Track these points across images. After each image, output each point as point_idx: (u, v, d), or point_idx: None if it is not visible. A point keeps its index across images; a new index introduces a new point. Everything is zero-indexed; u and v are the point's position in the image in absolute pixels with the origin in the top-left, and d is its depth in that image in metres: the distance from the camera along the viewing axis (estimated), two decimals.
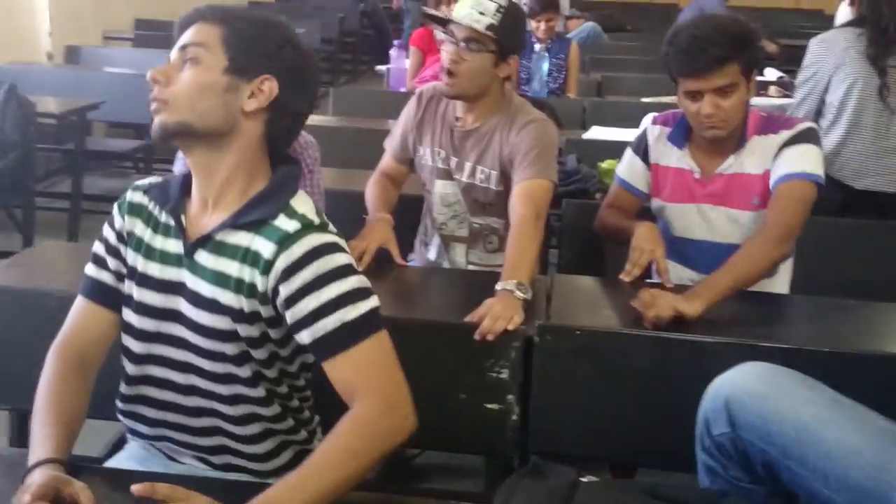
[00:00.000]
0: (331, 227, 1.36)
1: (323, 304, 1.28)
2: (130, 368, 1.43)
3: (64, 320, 1.46)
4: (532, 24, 4.75)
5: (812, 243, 2.05)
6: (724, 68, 2.00)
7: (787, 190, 2.04)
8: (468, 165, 2.25)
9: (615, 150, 2.87)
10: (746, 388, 1.34)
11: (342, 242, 1.35)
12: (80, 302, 1.45)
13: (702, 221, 2.20)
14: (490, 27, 2.10)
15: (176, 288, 1.37)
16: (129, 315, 1.41)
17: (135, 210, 1.43)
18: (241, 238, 1.33)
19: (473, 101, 2.21)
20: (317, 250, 1.30)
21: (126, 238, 1.42)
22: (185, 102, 1.30)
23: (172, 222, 1.38)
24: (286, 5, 9.80)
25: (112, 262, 1.43)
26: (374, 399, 1.27)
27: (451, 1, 4.42)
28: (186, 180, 1.40)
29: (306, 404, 1.50)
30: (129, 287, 1.40)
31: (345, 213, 2.07)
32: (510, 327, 1.70)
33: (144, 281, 1.39)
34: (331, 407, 1.32)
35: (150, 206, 1.42)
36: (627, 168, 2.32)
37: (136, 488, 1.09)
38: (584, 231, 2.46)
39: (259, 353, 1.37)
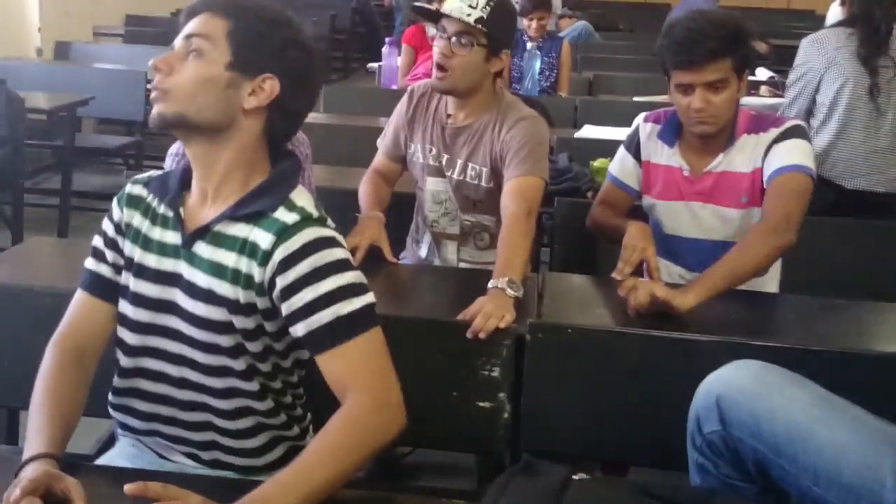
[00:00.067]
0: (329, 221, 1.36)
1: (319, 296, 1.29)
2: (124, 361, 1.43)
3: (53, 316, 1.46)
4: (524, 23, 4.75)
5: (802, 242, 2.05)
6: (717, 62, 2.01)
7: (782, 182, 2.05)
8: (459, 162, 2.25)
9: (607, 148, 2.88)
10: (738, 386, 1.34)
11: (340, 238, 1.35)
12: (78, 295, 1.45)
13: (691, 219, 2.21)
14: (480, 20, 2.10)
15: (172, 279, 1.37)
16: (124, 306, 1.41)
17: (133, 202, 1.43)
18: (240, 229, 1.33)
19: (465, 97, 2.21)
20: (315, 243, 1.30)
21: (124, 230, 1.42)
22: (184, 94, 1.31)
23: (171, 214, 1.39)
24: (277, 2, 9.75)
25: (110, 255, 1.43)
26: (364, 396, 1.27)
27: None
28: (186, 174, 1.41)
29: (299, 401, 1.50)
30: (126, 278, 1.41)
31: (336, 210, 2.05)
32: (502, 325, 1.70)
33: (141, 272, 1.39)
34: (323, 406, 1.31)
35: (149, 198, 1.42)
36: (619, 165, 2.33)
37: (128, 488, 1.08)
38: (577, 230, 2.46)
39: (254, 346, 1.37)
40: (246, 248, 1.32)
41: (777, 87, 4.70)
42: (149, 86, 1.35)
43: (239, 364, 1.37)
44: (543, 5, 4.83)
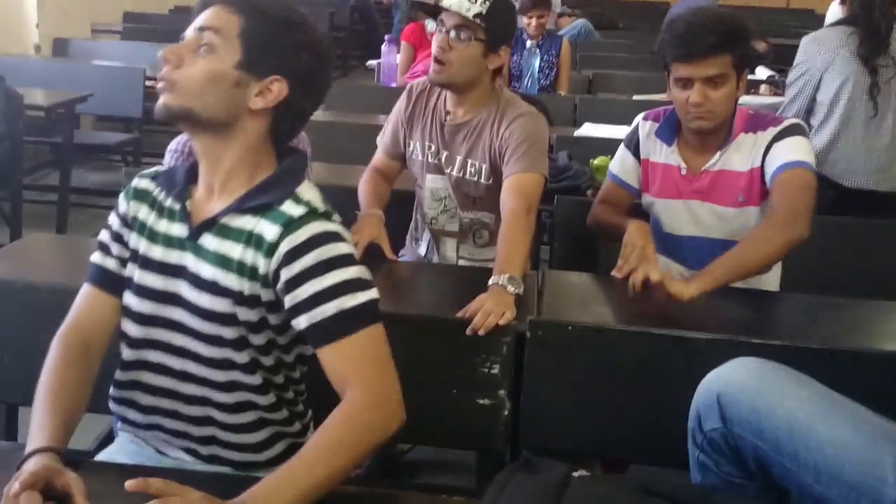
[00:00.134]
0: (335, 216, 1.37)
1: (322, 290, 1.29)
2: (127, 353, 1.43)
3: (52, 313, 1.46)
4: (523, 21, 4.75)
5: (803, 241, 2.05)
6: (717, 57, 2.02)
7: (787, 178, 2.05)
8: (458, 159, 2.25)
9: (607, 146, 2.89)
10: (738, 384, 1.34)
11: (345, 233, 1.35)
12: (85, 289, 1.45)
13: (689, 217, 2.21)
14: (479, 15, 2.09)
15: (177, 271, 1.37)
16: (129, 298, 1.41)
17: (140, 195, 1.44)
18: (246, 222, 1.34)
19: (462, 92, 2.20)
20: (321, 237, 1.31)
21: (130, 222, 1.43)
22: (191, 89, 1.31)
23: (178, 207, 1.39)
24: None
25: (116, 248, 1.44)
26: (364, 391, 1.27)
27: None
28: (193, 168, 1.42)
29: (301, 397, 1.50)
30: (131, 270, 1.41)
31: (336, 208, 2.04)
32: (501, 323, 1.70)
33: (146, 264, 1.39)
34: (324, 404, 1.31)
35: (156, 191, 1.43)
36: (619, 164, 2.34)
37: (129, 484, 1.08)
38: (577, 228, 2.46)
39: (257, 339, 1.37)
40: (252, 239, 1.33)
41: (777, 86, 4.71)
42: (157, 75, 1.34)
43: (242, 357, 1.37)
44: (543, 3, 4.83)
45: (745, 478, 1.35)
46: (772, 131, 2.11)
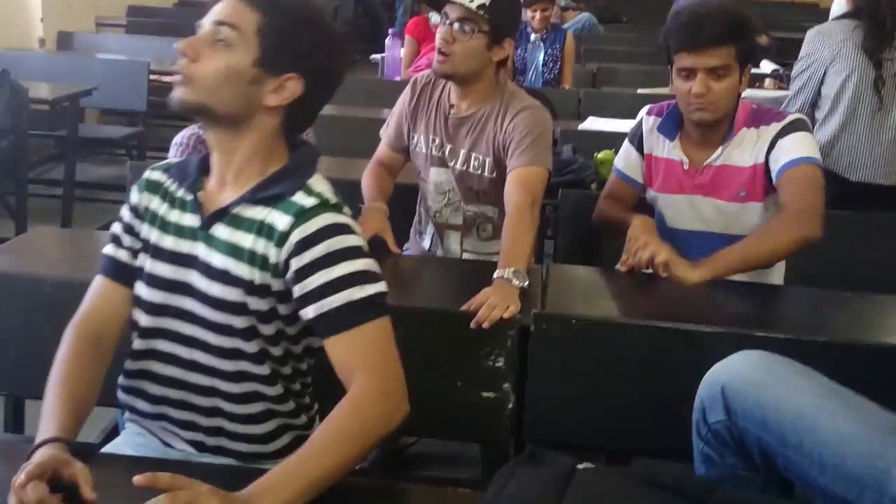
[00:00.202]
0: (346, 209, 1.38)
1: (332, 280, 1.30)
2: (137, 343, 1.44)
3: (57, 306, 1.47)
4: (527, 14, 4.74)
5: None
6: (721, 47, 2.02)
7: (795, 174, 2.05)
8: (462, 153, 2.25)
9: (611, 140, 2.88)
10: (743, 376, 1.34)
11: (355, 225, 1.36)
12: (97, 280, 1.46)
13: (692, 212, 2.21)
14: (482, 7, 2.08)
15: (188, 261, 1.38)
16: (140, 288, 1.42)
17: (152, 187, 1.45)
18: (258, 212, 1.35)
19: (466, 84, 2.20)
20: (331, 228, 1.32)
21: (142, 213, 1.44)
22: (208, 85, 1.31)
23: (190, 197, 1.40)
24: None
25: (127, 240, 1.45)
26: (369, 383, 1.28)
27: None
28: (205, 160, 1.43)
29: (307, 390, 1.51)
30: (143, 259, 1.42)
31: None
32: (506, 316, 1.70)
33: (158, 253, 1.40)
34: (330, 397, 1.32)
35: (168, 182, 1.44)
36: (624, 159, 2.34)
37: (138, 479, 1.08)
38: (581, 221, 2.47)
39: (266, 329, 1.38)
40: (263, 229, 1.34)
41: (781, 80, 4.69)
42: (173, 67, 1.34)
43: (251, 347, 1.38)
44: None
45: (749, 470, 1.36)
46: (775, 127, 2.11)
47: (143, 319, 1.42)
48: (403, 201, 2.39)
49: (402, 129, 2.34)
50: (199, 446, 1.45)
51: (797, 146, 2.07)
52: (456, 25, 2.11)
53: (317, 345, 1.42)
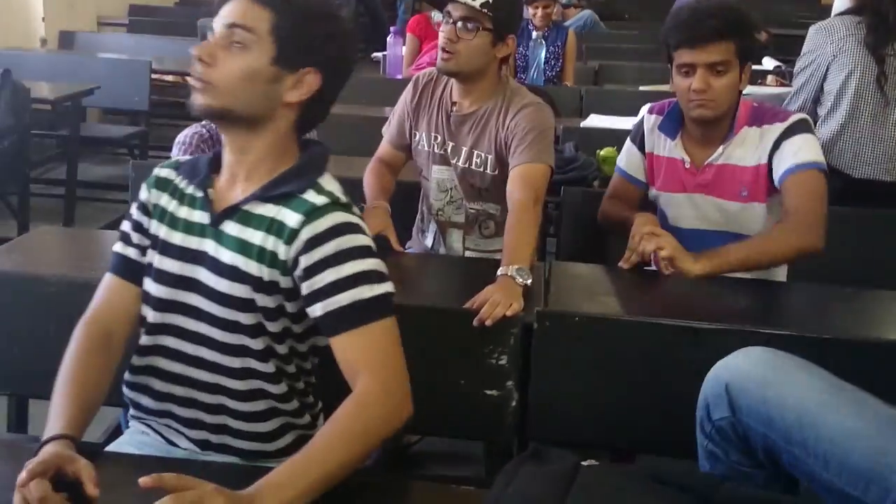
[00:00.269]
0: (355, 209, 1.39)
1: (340, 279, 1.30)
2: (144, 339, 1.44)
3: (60, 305, 1.48)
4: (529, 12, 4.73)
5: None
6: (720, 43, 2.03)
7: (799, 181, 2.05)
8: (464, 150, 2.25)
9: (613, 138, 2.88)
10: (747, 373, 1.34)
11: (364, 225, 1.38)
12: (106, 278, 1.47)
13: (694, 210, 2.21)
14: (485, 5, 2.08)
15: (197, 257, 1.39)
16: (148, 284, 1.43)
17: (161, 184, 1.46)
18: (268, 209, 1.36)
19: (469, 81, 2.20)
20: (341, 227, 1.33)
21: (151, 210, 1.45)
22: (230, 88, 1.32)
23: (199, 194, 1.41)
24: None
25: (136, 237, 1.46)
26: (374, 382, 1.28)
27: None
28: (215, 158, 1.44)
29: (311, 389, 1.51)
30: (151, 255, 1.43)
31: None
32: (509, 314, 1.70)
33: (166, 249, 1.41)
34: (334, 396, 1.32)
35: (178, 180, 1.45)
36: (626, 158, 2.35)
37: (143, 480, 1.08)
38: (583, 219, 2.47)
39: (273, 326, 1.38)
40: (273, 226, 1.35)
41: (783, 77, 4.68)
42: (190, 76, 1.35)
43: (257, 344, 1.38)
44: None
45: (753, 466, 1.36)
46: (779, 127, 2.10)
47: (151, 315, 1.43)
48: (405, 199, 2.39)
49: (403, 127, 2.34)
50: (204, 444, 1.45)
51: (801, 150, 2.06)
52: (459, 24, 2.11)
53: (322, 343, 1.42)
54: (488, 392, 1.71)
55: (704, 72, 2.04)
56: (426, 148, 2.30)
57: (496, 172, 2.21)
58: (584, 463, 1.28)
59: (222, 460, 1.42)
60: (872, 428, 1.23)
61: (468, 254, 2.35)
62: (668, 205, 2.25)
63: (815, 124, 2.60)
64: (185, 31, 6.42)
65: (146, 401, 1.46)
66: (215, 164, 1.43)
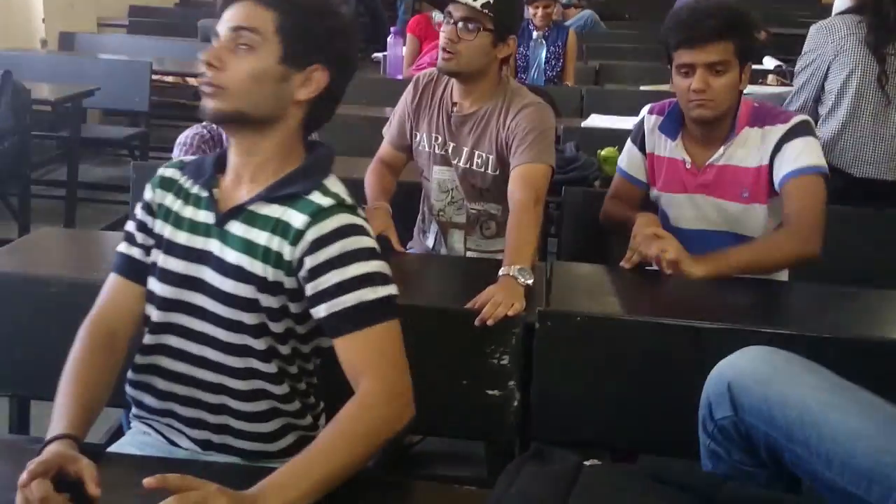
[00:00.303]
0: (360, 211, 1.39)
1: (344, 280, 1.31)
2: (147, 338, 1.44)
3: (61, 306, 1.48)
4: (529, 11, 4.73)
5: None
6: (719, 43, 2.03)
7: (800, 185, 2.05)
8: (465, 151, 2.25)
9: (614, 138, 2.88)
10: (750, 372, 1.34)
11: (369, 227, 1.38)
12: (110, 278, 1.47)
13: (695, 211, 2.21)
14: (486, 5, 2.09)
15: (201, 256, 1.39)
16: (152, 283, 1.43)
17: (166, 184, 1.46)
18: (274, 210, 1.36)
19: (470, 81, 2.20)
20: (346, 228, 1.33)
21: (155, 210, 1.45)
22: (241, 91, 1.33)
23: (204, 194, 1.41)
24: None
25: (140, 237, 1.46)
26: (377, 385, 1.28)
27: None
28: (220, 158, 1.44)
29: (313, 390, 1.51)
30: (156, 255, 1.43)
31: None
32: (510, 313, 1.70)
33: (171, 249, 1.41)
34: (336, 397, 1.32)
35: (182, 180, 1.45)
36: (627, 159, 2.35)
37: (147, 482, 1.08)
38: (585, 219, 2.47)
39: (276, 327, 1.39)
40: (279, 227, 1.35)
41: (784, 76, 4.68)
42: (199, 80, 1.35)
43: (260, 344, 1.38)
44: None
45: (755, 465, 1.35)
46: (781, 128, 2.10)
47: (154, 314, 1.43)
48: (406, 200, 2.40)
49: (404, 127, 2.34)
50: (205, 444, 1.45)
51: (802, 153, 2.06)
52: (460, 24, 2.11)
53: (325, 345, 1.43)
54: (490, 392, 1.71)
55: (704, 72, 2.04)
56: (427, 148, 2.30)
57: (497, 173, 2.21)
58: (586, 463, 1.28)
59: (224, 460, 1.42)
60: (875, 427, 1.23)
61: (469, 254, 2.35)
62: (669, 205, 2.25)
63: (816, 124, 2.60)
64: (185, 32, 6.43)
65: (149, 400, 1.46)
66: (220, 164, 1.44)
